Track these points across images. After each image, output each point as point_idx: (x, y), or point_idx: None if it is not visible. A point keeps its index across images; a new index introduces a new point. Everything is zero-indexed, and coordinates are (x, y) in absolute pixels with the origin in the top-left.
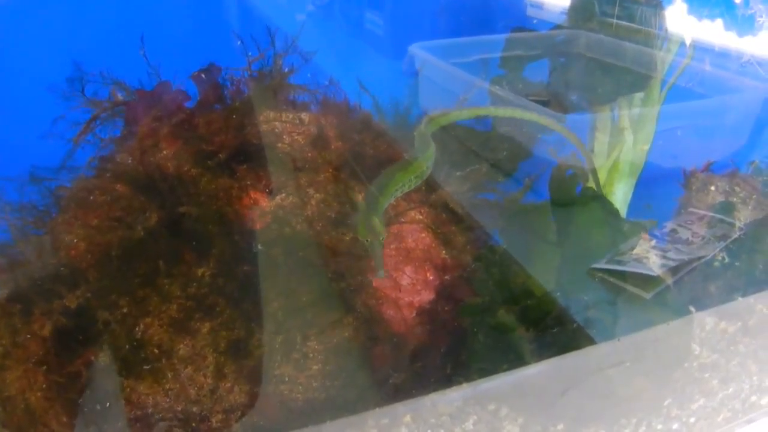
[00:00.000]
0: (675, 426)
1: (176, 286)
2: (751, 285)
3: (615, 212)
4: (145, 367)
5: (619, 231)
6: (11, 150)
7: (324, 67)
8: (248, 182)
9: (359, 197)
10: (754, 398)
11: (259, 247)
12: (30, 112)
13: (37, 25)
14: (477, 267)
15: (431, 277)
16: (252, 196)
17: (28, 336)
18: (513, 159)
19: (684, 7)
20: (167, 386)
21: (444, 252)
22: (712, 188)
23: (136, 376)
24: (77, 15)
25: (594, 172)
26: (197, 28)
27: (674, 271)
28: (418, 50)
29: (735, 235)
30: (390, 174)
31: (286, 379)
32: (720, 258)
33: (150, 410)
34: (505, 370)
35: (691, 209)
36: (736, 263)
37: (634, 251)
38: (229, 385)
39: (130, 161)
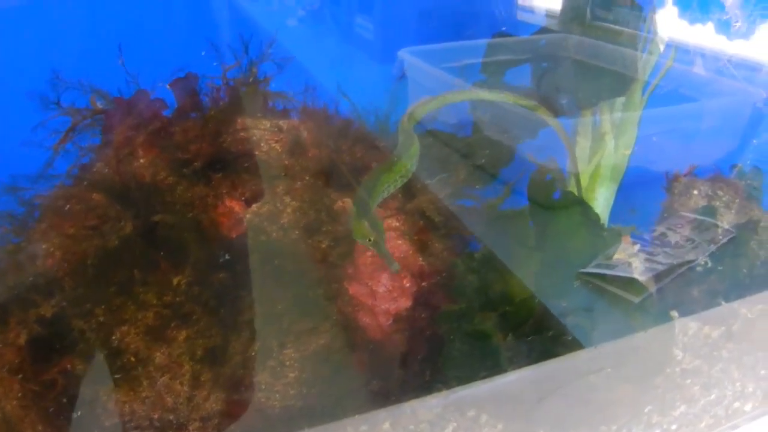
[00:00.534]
0: None
1: (152, 295)
2: (736, 289)
3: (595, 217)
4: (122, 375)
5: (599, 236)
6: None
7: (315, 72)
8: (224, 190)
9: (347, 203)
10: (737, 404)
11: (235, 255)
12: (11, 119)
13: (18, 32)
14: (455, 273)
15: (408, 284)
16: (228, 204)
17: (4, 345)
18: (494, 164)
19: (675, 10)
20: (144, 394)
21: (421, 259)
22: (695, 192)
23: (113, 384)
24: (62, 22)
25: (577, 175)
26: (189, 35)
27: (663, 275)
28: (407, 55)
29: (725, 239)
30: (376, 175)
31: (263, 386)
32: (703, 263)
33: (126, 418)
34: (482, 378)
35: (681, 213)
36: (719, 267)
37: (617, 256)
38: (205, 393)
39: (106, 170)
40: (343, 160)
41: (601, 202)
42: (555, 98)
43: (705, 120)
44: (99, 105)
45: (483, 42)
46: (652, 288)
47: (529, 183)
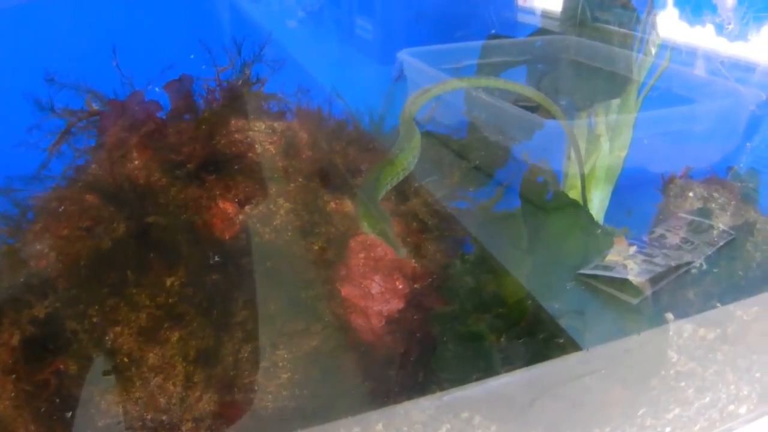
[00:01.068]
0: None
1: (145, 296)
2: (731, 291)
3: (588, 218)
4: (115, 375)
5: (592, 237)
6: None
7: (314, 73)
8: (217, 192)
9: (341, 203)
10: (731, 407)
11: (228, 256)
12: (7, 120)
13: (15, 33)
14: (448, 275)
15: (401, 286)
16: (221, 205)
17: None
18: (490, 165)
19: (675, 12)
20: (137, 395)
21: (414, 261)
22: (690, 194)
23: (106, 385)
24: (60, 22)
25: (583, 176)
26: (190, 37)
27: (661, 276)
28: (406, 56)
29: (723, 241)
30: (379, 168)
31: (256, 387)
32: (699, 265)
33: (120, 418)
34: (475, 380)
35: (680, 214)
36: (715, 270)
37: (615, 258)
38: (198, 393)
39: (100, 172)
40: (336, 162)
41: (596, 203)
42: (554, 100)
43: (703, 122)
44: (95, 106)
45: (481, 43)
46: (650, 290)
47: (521, 184)
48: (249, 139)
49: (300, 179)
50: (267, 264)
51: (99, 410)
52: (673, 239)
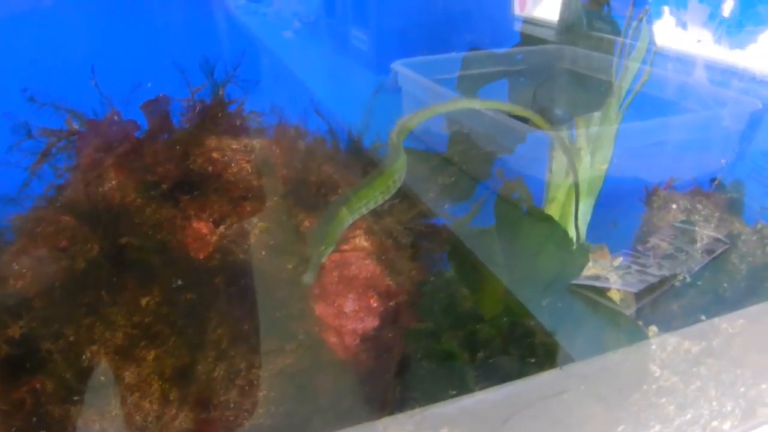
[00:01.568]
0: None
1: (121, 315)
2: (716, 304)
3: (562, 233)
4: (91, 393)
5: (567, 252)
6: None
7: (310, 84)
8: (192, 212)
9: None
10: (715, 423)
11: (203, 276)
12: None
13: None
14: (423, 292)
15: (375, 304)
16: (195, 225)
17: None
18: (470, 179)
19: (672, 20)
20: (114, 413)
21: (389, 278)
22: (674, 206)
23: (83, 403)
24: (48, 39)
25: (577, 186)
26: (186, 50)
27: (654, 287)
28: (400, 67)
29: (721, 250)
30: (354, 189)
31: (232, 405)
32: (681, 278)
33: None
34: (451, 396)
35: (675, 223)
36: (699, 282)
37: (594, 271)
38: (174, 411)
39: (76, 192)
40: (310, 180)
41: (579, 216)
42: (550, 109)
43: (696, 131)
44: (74, 126)
45: (475, 54)
46: (642, 301)
47: (495, 200)
48: (226, 158)
49: (275, 198)
50: (241, 283)
51: (76, 428)
52: (668, 248)
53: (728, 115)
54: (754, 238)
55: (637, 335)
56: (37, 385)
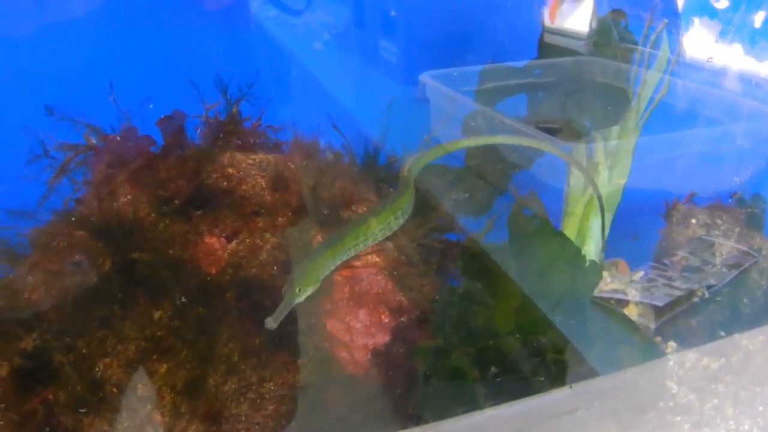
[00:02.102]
0: None
1: (134, 329)
2: (736, 320)
3: (575, 250)
4: (104, 405)
5: (578, 269)
6: None
7: (339, 95)
8: (204, 227)
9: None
10: None
11: (215, 290)
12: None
13: (15, 65)
14: (434, 308)
15: (386, 320)
16: (207, 240)
17: None
18: (486, 195)
19: (703, 32)
20: (125, 424)
21: (400, 294)
22: (693, 221)
23: (95, 414)
24: (70, 55)
25: (600, 199)
26: (217, 61)
27: (676, 303)
28: (428, 79)
29: (748, 263)
30: (348, 230)
31: (243, 418)
32: (700, 294)
33: None
34: (460, 413)
35: (703, 236)
36: (718, 298)
37: (613, 286)
38: (185, 423)
39: (90, 207)
40: (323, 196)
41: (596, 231)
42: (579, 121)
43: (730, 143)
44: (93, 141)
45: (505, 66)
46: (669, 314)
47: (509, 217)
48: (240, 174)
49: (288, 213)
50: (252, 298)
51: None
52: (695, 262)
53: (752, 129)
54: None
55: (653, 352)
56: (50, 396)
